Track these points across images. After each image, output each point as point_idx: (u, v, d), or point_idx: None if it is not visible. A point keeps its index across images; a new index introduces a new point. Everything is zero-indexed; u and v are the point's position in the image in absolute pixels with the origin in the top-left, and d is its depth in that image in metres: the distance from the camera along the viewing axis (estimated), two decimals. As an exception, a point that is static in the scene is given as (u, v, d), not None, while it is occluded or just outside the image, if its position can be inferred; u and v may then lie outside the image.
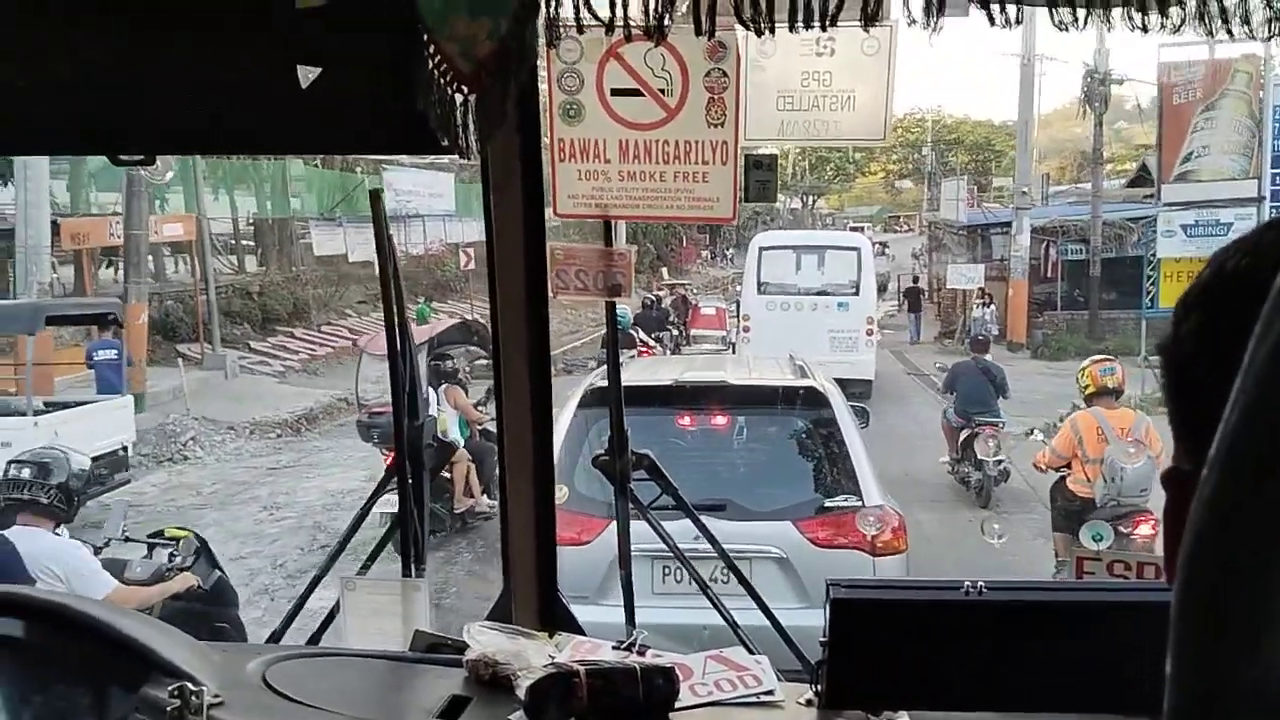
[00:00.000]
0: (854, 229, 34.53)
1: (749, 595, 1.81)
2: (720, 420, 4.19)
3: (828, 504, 3.97)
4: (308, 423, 13.34)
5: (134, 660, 1.38)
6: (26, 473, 3.61)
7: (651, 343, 14.83)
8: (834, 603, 1.28)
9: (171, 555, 3.97)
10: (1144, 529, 4.89)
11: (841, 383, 12.61)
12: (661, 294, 19.75)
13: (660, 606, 3.26)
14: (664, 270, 30.78)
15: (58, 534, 3.67)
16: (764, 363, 5.78)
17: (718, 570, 3.63)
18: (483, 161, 1.59)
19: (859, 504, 3.85)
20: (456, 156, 1.31)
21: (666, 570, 3.67)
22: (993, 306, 19.76)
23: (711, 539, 1.90)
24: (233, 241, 22.79)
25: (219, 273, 19.83)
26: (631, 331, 13.82)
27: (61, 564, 3.49)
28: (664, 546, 3.52)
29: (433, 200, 22.82)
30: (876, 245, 28.58)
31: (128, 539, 4.15)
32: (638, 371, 4.88)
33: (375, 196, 1.73)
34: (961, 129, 48.94)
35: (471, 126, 1.47)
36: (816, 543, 3.72)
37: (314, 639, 1.82)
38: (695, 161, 1.56)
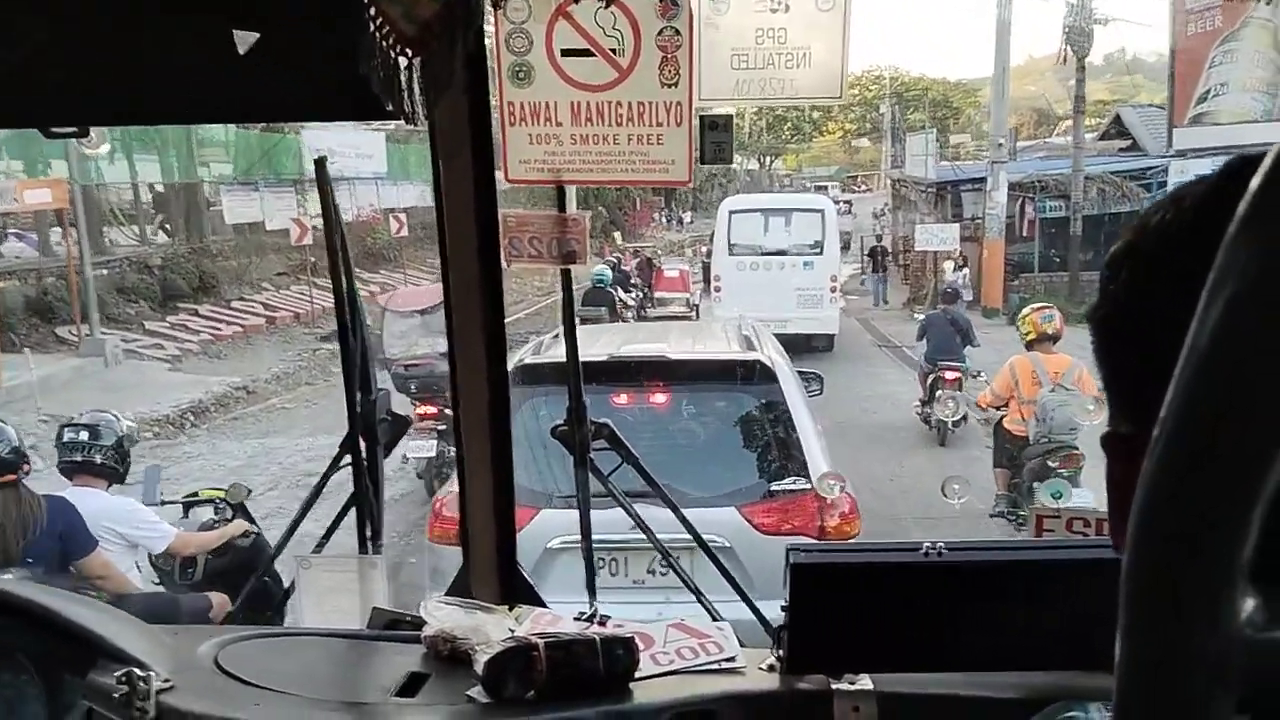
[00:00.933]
0: (818, 189, 34.53)
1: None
2: (660, 398, 3.89)
3: (774, 487, 3.75)
4: (194, 417, 11.44)
5: (81, 646, 1.34)
6: (83, 435, 3.68)
7: (631, 303, 15.09)
8: (793, 568, 1.27)
9: (217, 508, 4.09)
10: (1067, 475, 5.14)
11: (807, 337, 13.09)
12: (621, 258, 19.60)
13: (601, 602, 3.17)
14: (617, 235, 29.82)
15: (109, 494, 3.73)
16: (710, 333, 5.43)
17: (655, 562, 3.56)
18: (430, 127, 1.54)
19: (808, 486, 3.68)
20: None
21: (600, 563, 3.49)
22: (966, 270, 18.27)
23: (679, 515, 1.86)
24: (139, 211, 20.40)
25: (115, 245, 18.09)
26: (611, 290, 14.00)
27: (121, 521, 3.62)
28: (600, 538, 3.44)
29: (361, 162, 21.04)
30: (841, 204, 28.65)
31: (164, 503, 4.19)
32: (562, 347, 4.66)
33: (320, 164, 1.67)
34: (919, 86, 48.92)
35: (417, 91, 1.42)
36: (762, 529, 3.53)
37: (269, 619, 1.79)
38: (649, 123, 1.53)
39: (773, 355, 4.23)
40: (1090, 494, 4.68)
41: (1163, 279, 0.48)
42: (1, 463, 3.37)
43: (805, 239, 14.36)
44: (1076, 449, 5.47)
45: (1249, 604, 0.33)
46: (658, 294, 16.51)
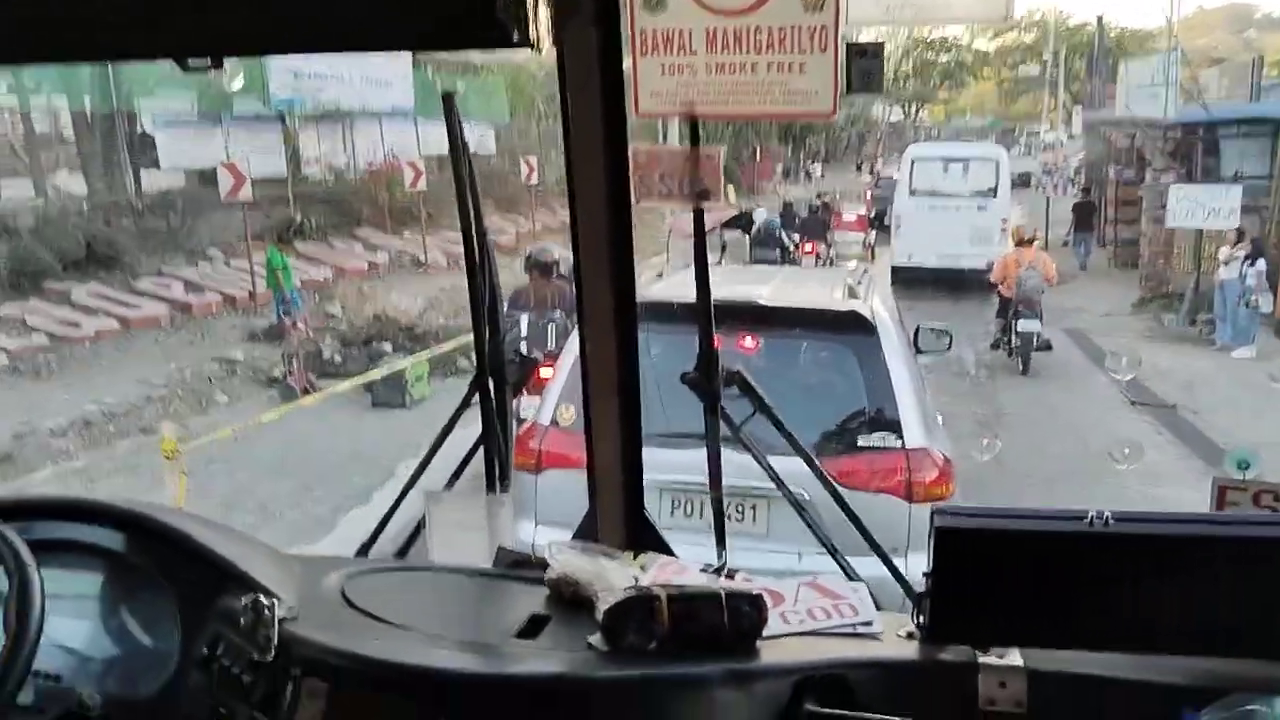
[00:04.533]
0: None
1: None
2: (749, 343, 3.71)
3: (862, 442, 3.58)
4: None
5: (214, 571, 1.39)
6: None
7: (805, 246, 15.96)
8: (939, 531, 1.17)
9: None
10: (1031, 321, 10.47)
11: (976, 271, 13.48)
12: (793, 202, 19.89)
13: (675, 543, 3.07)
14: (729, 189, 27.69)
15: None
16: (819, 281, 5.23)
17: (731, 507, 3.47)
18: (559, 57, 1.49)
19: (898, 444, 3.50)
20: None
21: (675, 503, 3.46)
22: (1262, 263, 11.18)
23: (817, 470, 1.77)
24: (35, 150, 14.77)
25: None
26: (780, 234, 15.22)
27: None
28: (670, 479, 3.31)
29: (374, 92, 16.33)
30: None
31: None
32: (670, 286, 4.35)
33: (448, 99, 1.65)
34: (1085, 32, 44.99)
35: (544, 17, 1.37)
36: (845, 484, 3.35)
37: (400, 553, 1.83)
38: (790, 50, 1.41)
39: (875, 307, 4.03)
40: (1037, 322, 10.44)
41: None
42: None
43: (981, 184, 15.92)
44: (1037, 300, 10.63)
45: None
46: (836, 235, 17.81)
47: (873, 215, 20.51)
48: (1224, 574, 1.16)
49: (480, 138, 17.92)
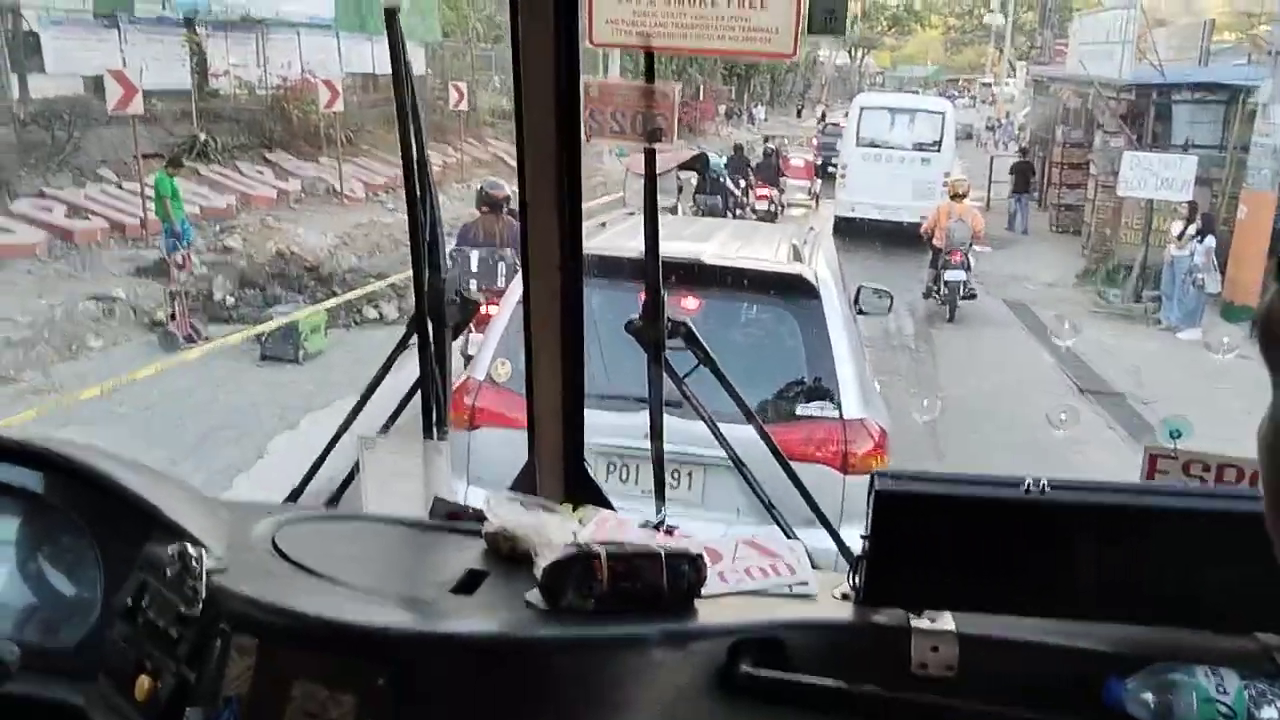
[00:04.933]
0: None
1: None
2: (690, 303, 3.54)
3: (799, 411, 3.49)
4: None
5: (138, 515, 1.31)
6: None
7: (759, 190, 15.87)
8: (878, 495, 1.16)
9: None
10: (957, 271, 11.12)
11: (914, 225, 13.57)
12: (744, 145, 19.40)
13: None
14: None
15: None
16: (762, 239, 5.06)
17: (668, 474, 3.40)
18: (509, -22, 1.39)
19: (835, 415, 3.43)
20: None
21: (612, 467, 3.34)
22: (1210, 240, 10.77)
23: (760, 429, 1.74)
24: None
25: None
26: (725, 181, 14.74)
27: None
28: (607, 442, 3.19)
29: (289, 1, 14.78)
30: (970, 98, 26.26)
31: None
32: (612, 237, 4.11)
33: (391, 15, 1.53)
34: None
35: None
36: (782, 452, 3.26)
37: (332, 500, 1.76)
38: (754, -16, 1.34)
39: (819, 270, 3.86)
40: (963, 272, 11.19)
41: None
42: None
43: (926, 137, 15.97)
44: (963, 250, 11.22)
45: None
46: (785, 179, 17.72)
47: (819, 163, 20.58)
48: (1153, 544, 1.17)
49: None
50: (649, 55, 1.46)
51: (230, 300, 9.84)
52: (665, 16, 1.40)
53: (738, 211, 15.07)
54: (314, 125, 14.76)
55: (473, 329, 4.36)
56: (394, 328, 8.37)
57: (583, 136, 1.46)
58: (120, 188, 12.02)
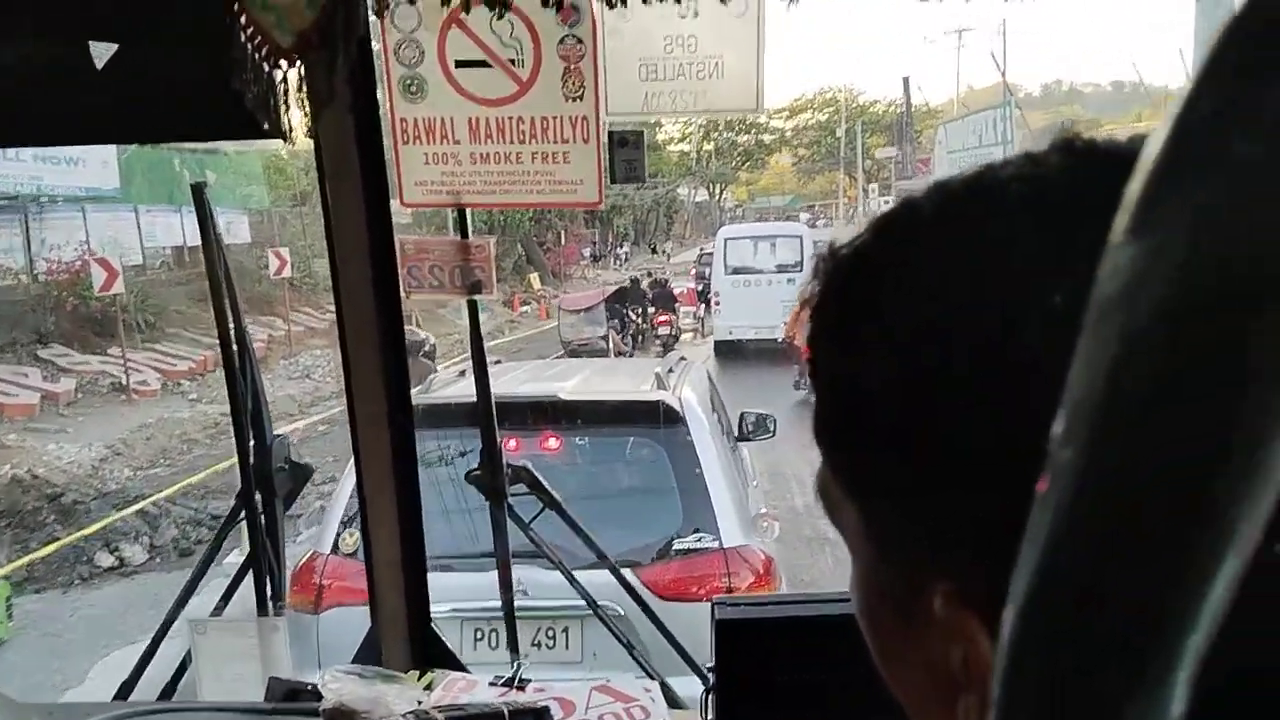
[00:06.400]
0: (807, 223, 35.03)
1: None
2: (552, 443, 3.38)
3: (677, 545, 3.27)
4: None
5: None
6: None
7: (660, 317, 16.80)
8: (719, 624, 1.15)
9: None
10: None
11: (787, 340, 13.66)
12: (640, 276, 20.38)
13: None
14: (533, 277, 24.59)
15: None
16: (627, 372, 4.88)
17: (540, 634, 2.99)
18: (315, 147, 1.42)
19: (714, 544, 3.23)
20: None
21: (480, 634, 3.04)
22: None
23: (619, 576, 1.70)
24: None
25: None
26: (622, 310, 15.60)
27: None
28: (470, 607, 2.88)
29: (63, 171, 12.60)
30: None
31: None
32: (464, 385, 3.81)
33: (198, 190, 1.53)
34: (879, 109, 48.29)
35: (295, 106, 1.30)
36: (661, 594, 3.01)
37: (165, 693, 1.62)
38: (554, 140, 1.41)
39: (685, 395, 3.72)
40: None
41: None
42: None
43: (787, 259, 17.01)
44: None
45: None
46: (679, 305, 18.71)
47: (701, 290, 21.58)
48: None
49: (229, 225, 14.74)
50: (460, 212, 1.50)
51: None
52: (473, 175, 1.45)
53: (639, 339, 16.29)
54: (98, 311, 12.60)
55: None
56: (140, 577, 6.69)
57: (402, 291, 1.47)
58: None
